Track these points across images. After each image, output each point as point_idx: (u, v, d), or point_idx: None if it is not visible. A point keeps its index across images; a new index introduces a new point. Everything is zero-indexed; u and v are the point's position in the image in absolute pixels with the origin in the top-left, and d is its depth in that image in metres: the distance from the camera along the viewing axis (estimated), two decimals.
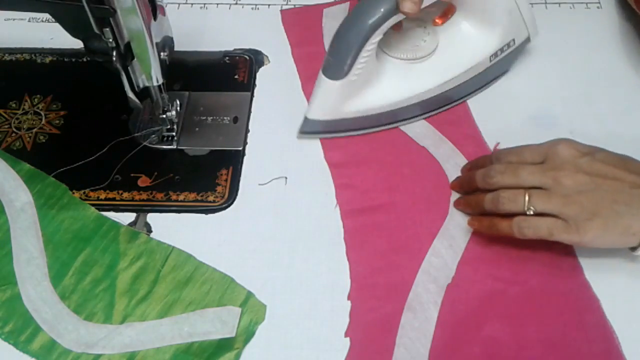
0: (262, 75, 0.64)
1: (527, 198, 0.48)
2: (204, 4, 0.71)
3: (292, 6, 0.70)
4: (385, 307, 0.49)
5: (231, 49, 0.66)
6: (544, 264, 0.51)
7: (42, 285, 0.50)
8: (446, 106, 0.61)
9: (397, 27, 0.57)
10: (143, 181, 0.56)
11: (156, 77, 0.52)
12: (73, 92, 0.63)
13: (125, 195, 0.56)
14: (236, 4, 0.71)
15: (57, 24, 0.49)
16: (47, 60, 0.65)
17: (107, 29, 0.47)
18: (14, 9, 0.57)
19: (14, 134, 0.60)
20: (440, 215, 0.54)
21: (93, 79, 0.63)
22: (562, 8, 0.70)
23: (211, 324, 0.49)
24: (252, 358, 0.48)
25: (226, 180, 0.57)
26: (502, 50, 0.59)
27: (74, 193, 0.55)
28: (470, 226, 0.52)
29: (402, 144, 0.59)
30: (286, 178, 0.57)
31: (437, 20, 0.59)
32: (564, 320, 0.49)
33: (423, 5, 0.51)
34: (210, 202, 0.55)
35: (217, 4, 0.71)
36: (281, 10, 0.70)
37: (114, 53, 0.49)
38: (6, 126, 0.60)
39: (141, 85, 0.53)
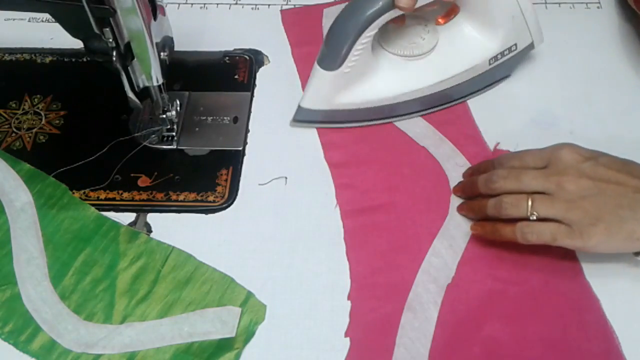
0: (262, 75, 0.64)
1: (530, 203, 0.48)
2: (204, 4, 0.71)
3: (292, 6, 0.70)
4: (385, 307, 0.49)
5: (231, 49, 0.66)
6: (544, 264, 0.51)
7: (42, 285, 0.50)
8: (444, 105, 0.61)
9: (400, 22, 0.57)
10: (143, 181, 0.56)
11: (156, 77, 0.52)
12: (73, 92, 0.63)
13: (125, 195, 0.56)
14: (236, 4, 0.71)
15: (57, 24, 0.49)
16: (47, 60, 0.65)
17: (107, 29, 0.47)
18: (14, 9, 0.57)
19: (14, 134, 0.60)
20: (440, 215, 0.54)
21: (93, 79, 0.63)
22: (562, 8, 0.70)
23: (211, 324, 0.49)
24: (252, 358, 0.48)
25: (226, 180, 0.57)
26: (502, 54, 0.59)
27: (74, 193, 0.55)
28: (473, 231, 0.52)
29: (402, 144, 0.59)
30: (286, 178, 0.57)
31: (439, 20, 0.59)
32: (564, 320, 0.49)
33: (421, 4, 0.51)
34: (210, 202, 0.55)
35: (217, 4, 0.71)
36: (281, 10, 0.70)
37: (114, 53, 0.49)
38: (6, 126, 0.60)
39: (141, 85, 0.53)
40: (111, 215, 0.54)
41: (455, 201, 0.55)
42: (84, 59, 0.65)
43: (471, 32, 0.59)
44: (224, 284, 0.51)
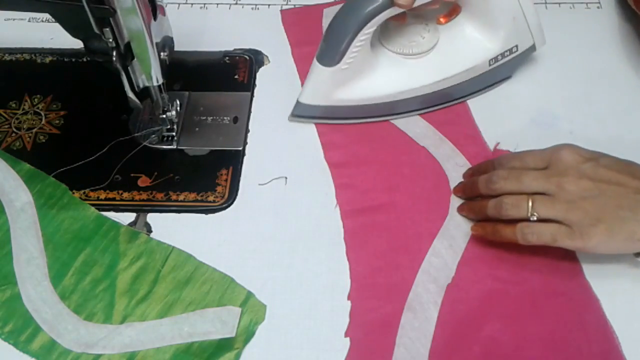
0: (262, 75, 0.64)
1: (530, 204, 0.48)
2: (204, 4, 0.71)
3: (292, 6, 0.70)
4: (385, 307, 0.49)
5: (231, 49, 0.66)
6: (544, 264, 0.51)
7: (42, 285, 0.50)
8: (443, 105, 0.61)
9: (401, 20, 0.57)
10: (143, 181, 0.56)
11: (156, 77, 0.52)
12: (73, 92, 0.63)
13: (125, 195, 0.56)
14: (236, 4, 0.71)
15: (57, 24, 0.49)
16: (47, 60, 0.65)
17: (107, 29, 0.47)
18: (14, 9, 0.57)
19: (14, 134, 0.60)
20: (440, 215, 0.54)
21: (93, 79, 0.63)
22: (562, 8, 0.70)
23: (211, 324, 0.49)
24: (252, 358, 0.48)
25: (226, 180, 0.57)
26: (503, 55, 0.59)
27: (74, 193, 0.55)
28: (474, 232, 0.52)
29: (402, 144, 0.59)
30: (286, 178, 0.57)
31: (441, 19, 0.59)
32: (564, 320, 0.49)
33: (420, 2, 0.52)
34: (210, 202, 0.55)
35: (217, 4, 0.71)
36: (281, 10, 0.70)
37: (114, 53, 0.49)
38: (6, 126, 0.60)
39: (141, 85, 0.53)
40: (111, 215, 0.54)
41: (455, 201, 0.55)
42: (84, 59, 0.65)
43: (472, 32, 0.59)
44: (224, 284, 0.51)
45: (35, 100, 0.62)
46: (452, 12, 0.59)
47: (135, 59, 0.50)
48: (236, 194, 0.56)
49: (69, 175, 0.56)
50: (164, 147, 0.59)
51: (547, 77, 0.63)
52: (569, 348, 0.47)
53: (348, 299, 0.50)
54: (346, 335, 0.48)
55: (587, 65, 0.64)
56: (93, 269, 0.51)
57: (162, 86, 0.55)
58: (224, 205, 0.55)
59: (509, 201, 0.49)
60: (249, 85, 0.63)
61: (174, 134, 0.59)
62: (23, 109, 0.61)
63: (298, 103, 0.59)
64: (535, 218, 0.48)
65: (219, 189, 0.56)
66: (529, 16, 0.57)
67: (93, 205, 0.55)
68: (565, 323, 0.48)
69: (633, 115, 0.60)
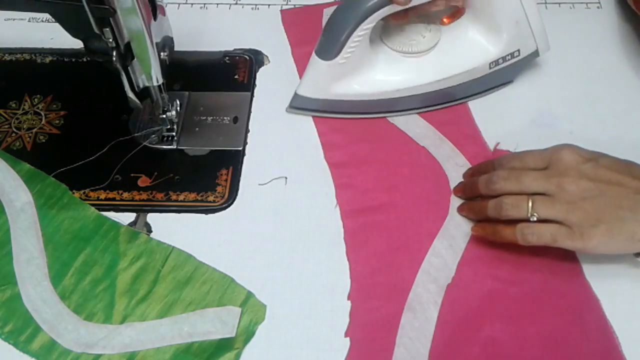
0: (262, 75, 0.64)
1: (530, 204, 0.48)
2: (204, 4, 0.71)
3: (292, 6, 0.70)
4: (385, 307, 0.49)
5: (231, 49, 0.66)
6: (544, 264, 0.51)
7: (42, 285, 0.50)
8: (442, 105, 0.61)
9: (403, 18, 0.57)
10: (143, 181, 0.56)
11: (156, 77, 0.52)
12: (73, 92, 0.63)
13: (125, 195, 0.56)
14: (236, 4, 0.71)
15: (57, 24, 0.49)
16: (47, 60, 0.65)
17: (107, 29, 0.47)
18: (14, 9, 0.57)
19: (14, 134, 0.60)
20: (440, 215, 0.54)
21: (93, 79, 0.63)
22: (562, 8, 0.70)
23: (211, 324, 0.49)
24: (252, 358, 0.48)
25: (226, 180, 0.57)
26: (504, 59, 0.59)
27: (74, 193, 0.55)
28: (474, 233, 0.52)
29: (402, 144, 0.59)
30: (286, 178, 0.57)
31: (444, 20, 0.59)
32: (564, 320, 0.49)
33: (418, 2, 0.52)
34: (210, 202, 0.55)
35: (217, 4, 0.71)
36: (281, 10, 0.70)
37: (114, 53, 0.49)
38: (6, 126, 0.60)
39: (141, 85, 0.53)
40: (111, 215, 0.54)
41: (455, 201, 0.55)
42: (84, 59, 0.65)
43: (474, 34, 0.59)
44: (224, 284, 0.51)
45: (35, 100, 0.62)
46: (457, 13, 0.59)
47: (135, 59, 0.50)
48: (236, 194, 0.56)
49: (69, 175, 0.56)
50: (164, 147, 0.59)
51: (547, 77, 0.63)
52: (569, 348, 0.47)
53: (348, 299, 0.50)
54: (346, 335, 0.48)
55: (587, 66, 0.64)
56: (93, 269, 0.51)
57: (162, 86, 0.55)
58: (224, 205, 0.55)
59: (509, 201, 0.49)
60: (249, 85, 0.63)
61: (174, 134, 0.59)
62: (23, 109, 0.61)
63: (296, 95, 0.59)
64: (535, 218, 0.48)
65: (219, 189, 0.56)
66: (532, 21, 0.57)
67: (93, 205, 0.55)
68: (565, 323, 0.48)
69: (633, 115, 0.60)
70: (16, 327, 0.49)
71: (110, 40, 0.48)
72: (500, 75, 0.60)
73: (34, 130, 0.60)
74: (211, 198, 0.55)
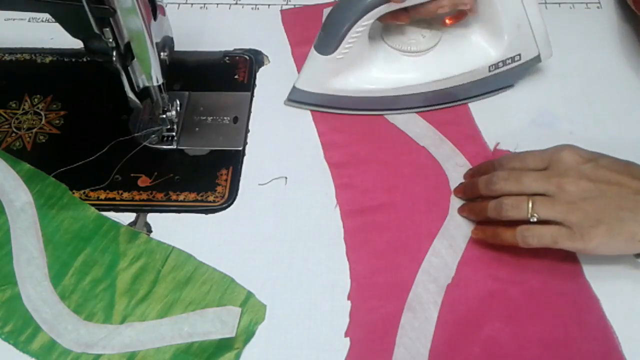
0: (262, 75, 0.64)
1: (530, 205, 0.48)
2: (204, 4, 0.71)
3: (292, 6, 0.71)
4: (385, 307, 0.49)
5: (231, 49, 0.66)
6: (544, 264, 0.51)
7: (42, 285, 0.50)
8: (441, 105, 0.61)
9: (404, 17, 0.57)
10: (143, 181, 0.56)
11: (156, 77, 0.52)
12: (73, 92, 0.63)
13: (125, 195, 0.56)
14: (236, 4, 0.71)
15: (57, 24, 0.49)
16: (47, 60, 0.65)
17: (107, 29, 0.47)
18: (14, 9, 0.57)
19: (14, 134, 0.60)
20: (440, 215, 0.54)
21: (93, 79, 0.63)
22: (562, 8, 0.70)
23: (211, 324, 0.49)
24: (252, 358, 0.48)
25: (226, 180, 0.57)
26: (504, 63, 0.59)
27: (74, 193, 0.55)
28: (474, 236, 0.52)
29: (402, 144, 0.59)
30: (286, 178, 0.57)
31: (447, 21, 0.59)
32: (564, 320, 0.49)
33: (415, 2, 0.52)
34: (210, 202, 0.55)
35: (217, 4, 0.71)
36: (281, 10, 0.70)
37: (114, 53, 0.49)
38: (6, 126, 0.60)
39: (141, 85, 0.53)
40: (111, 215, 0.54)
41: (455, 201, 0.55)
42: (84, 59, 0.65)
43: (476, 36, 0.59)
44: (224, 284, 0.51)
45: (35, 100, 0.62)
46: (460, 14, 0.59)
47: (135, 59, 0.50)
48: (236, 194, 0.56)
49: (69, 175, 0.56)
50: (164, 147, 0.59)
51: (547, 77, 0.63)
52: (569, 348, 0.47)
53: (348, 299, 0.50)
54: (346, 335, 0.48)
55: (587, 66, 0.64)
56: (93, 269, 0.51)
57: (162, 86, 0.55)
58: (224, 205, 0.55)
59: (509, 202, 0.49)
60: (249, 85, 0.63)
61: (174, 134, 0.59)
62: (23, 109, 0.61)
63: (294, 88, 0.60)
64: (535, 219, 0.48)
65: (219, 189, 0.56)
66: (535, 26, 0.57)
67: (93, 205, 0.55)
68: (565, 323, 0.48)
69: (633, 115, 0.60)
70: (16, 327, 0.49)
71: (110, 40, 0.48)
72: (500, 79, 0.60)
73: (34, 130, 0.60)
74: (211, 198, 0.55)
